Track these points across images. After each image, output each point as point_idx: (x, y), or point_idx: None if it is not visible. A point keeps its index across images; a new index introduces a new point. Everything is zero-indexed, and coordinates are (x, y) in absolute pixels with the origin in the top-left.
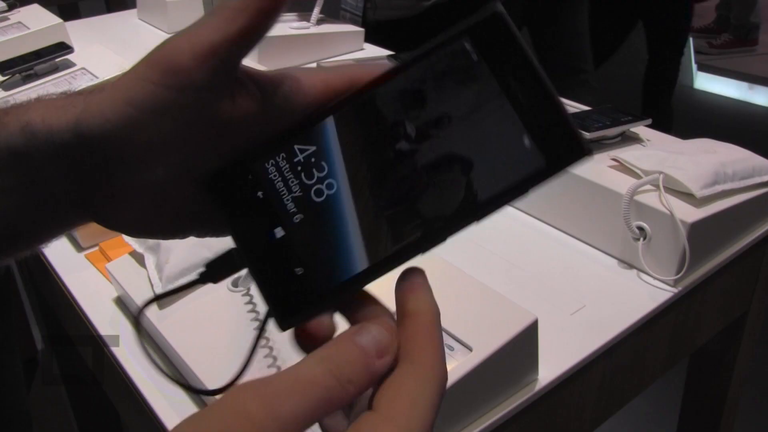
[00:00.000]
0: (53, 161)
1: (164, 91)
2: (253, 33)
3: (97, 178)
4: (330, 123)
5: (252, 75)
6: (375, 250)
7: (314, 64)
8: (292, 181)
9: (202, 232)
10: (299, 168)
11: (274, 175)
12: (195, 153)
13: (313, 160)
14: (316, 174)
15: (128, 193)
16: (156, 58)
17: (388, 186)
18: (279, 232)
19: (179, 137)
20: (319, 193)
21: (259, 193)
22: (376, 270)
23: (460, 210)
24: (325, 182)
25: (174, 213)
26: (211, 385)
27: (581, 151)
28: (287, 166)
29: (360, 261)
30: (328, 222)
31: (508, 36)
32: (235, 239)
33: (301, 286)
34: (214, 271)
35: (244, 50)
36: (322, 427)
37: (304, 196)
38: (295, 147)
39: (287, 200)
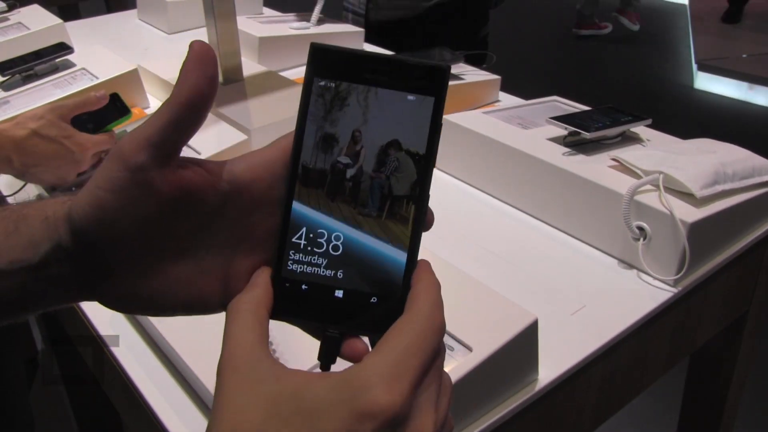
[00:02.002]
0: (58, 249)
1: (120, 175)
2: (181, 122)
3: (91, 262)
4: (297, 205)
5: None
6: (401, 241)
7: None
8: (313, 259)
9: (191, 310)
10: (309, 248)
11: (300, 267)
12: (163, 228)
13: (311, 235)
14: (320, 240)
15: (122, 275)
16: (112, 154)
17: (369, 202)
18: (339, 293)
19: (141, 210)
20: (335, 248)
21: (303, 286)
22: (415, 252)
23: (420, 168)
24: (332, 237)
25: (163, 292)
26: (212, 385)
27: (442, 70)
28: (300, 254)
29: (400, 256)
30: (359, 256)
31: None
32: (323, 324)
33: (386, 305)
34: (329, 359)
35: (177, 135)
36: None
37: (329, 260)
38: (293, 240)
39: (323, 272)
